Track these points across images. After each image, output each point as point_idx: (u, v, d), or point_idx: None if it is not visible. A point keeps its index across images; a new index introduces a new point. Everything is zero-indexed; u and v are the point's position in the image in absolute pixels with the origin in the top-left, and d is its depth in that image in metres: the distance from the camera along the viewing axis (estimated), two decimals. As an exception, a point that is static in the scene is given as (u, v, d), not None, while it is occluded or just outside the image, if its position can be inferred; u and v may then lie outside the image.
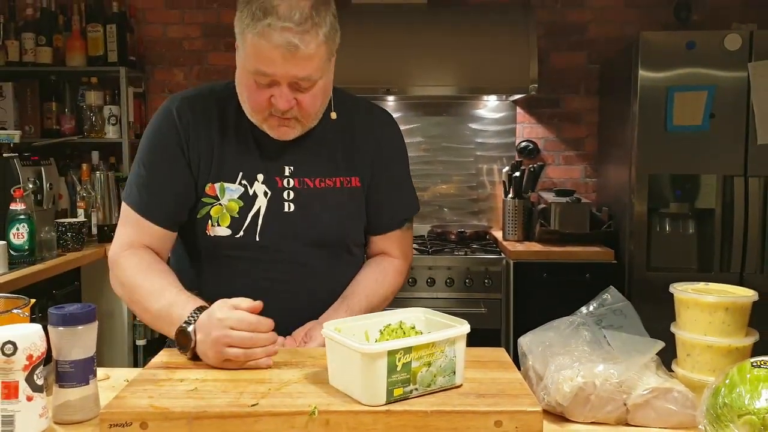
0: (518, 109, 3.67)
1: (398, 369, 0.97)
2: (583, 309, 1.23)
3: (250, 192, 1.36)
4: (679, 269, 2.90)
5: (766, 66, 2.78)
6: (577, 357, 1.07)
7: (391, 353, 0.97)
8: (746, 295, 1.08)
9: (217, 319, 1.15)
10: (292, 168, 1.39)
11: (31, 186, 2.79)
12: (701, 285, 1.16)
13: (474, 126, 3.67)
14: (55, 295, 2.61)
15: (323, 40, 1.22)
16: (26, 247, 2.57)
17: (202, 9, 3.69)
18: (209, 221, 1.35)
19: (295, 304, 1.39)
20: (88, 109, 3.45)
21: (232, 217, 1.35)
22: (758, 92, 2.79)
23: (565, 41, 3.63)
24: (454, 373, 1.04)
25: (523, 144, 3.63)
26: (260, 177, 1.37)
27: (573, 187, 3.54)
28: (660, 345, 1.08)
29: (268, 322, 1.17)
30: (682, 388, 1.02)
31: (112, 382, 1.21)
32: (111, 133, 3.45)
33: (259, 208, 1.36)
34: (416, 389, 1.00)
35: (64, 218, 3.04)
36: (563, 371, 1.04)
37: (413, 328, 1.15)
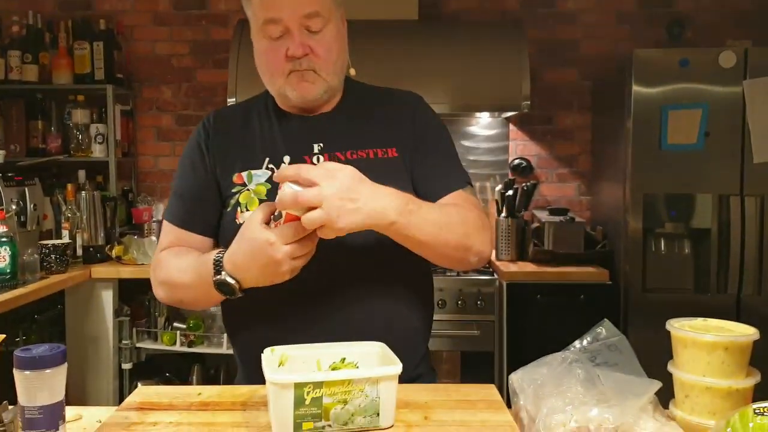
0: (511, 126, 3.63)
1: (307, 403, 0.95)
2: (577, 344, 1.18)
3: None
4: (675, 290, 2.86)
5: (762, 83, 2.75)
6: (570, 399, 1.02)
7: (299, 386, 0.95)
8: (747, 333, 1.03)
9: (264, 242, 1.09)
10: (321, 145, 1.34)
11: (14, 207, 2.73)
12: (699, 321, 1.11)
13: (466, 143, 3.63)
14: (38, 320, 2.55)
15: None
16: (8, 271, 2.50)
17: (190, 26, 3.65)
18: (238, 208, 1.31)
19: (339, 289, 1.28)
20: (75, 128, 3.40)
21: (260, 200, 1.30)
22: (754, 110, 2.76)
23: (556, 58, 3.60)
24: (378, 414, 0.99)
25: (517, 161, 3.59)
26: (286, 159, 1.33)
27: (567, 205, 3.50)
28: (656, 386, 1.03)
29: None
30: (680, 433, 0.97)
31: (84, 423, 1.14)
32: (98, 151, 3.40)
33: None
34: (329, 426, 0.97)
35: (50, 239, 2.98)
36: (556, 415, 0.99)
37: (355, 364, 1.12)
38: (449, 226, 1.21)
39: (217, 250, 1.20)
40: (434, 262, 1.28)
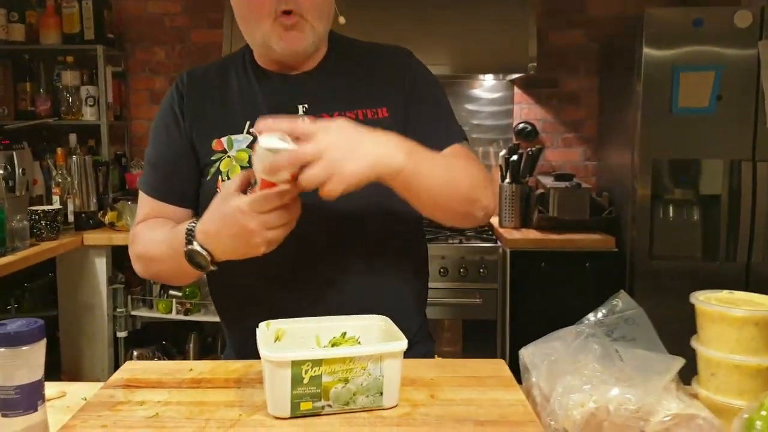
0: (516, 89, 3.53)
1: (305, 382, 0.89)
2: (591, 316, 1.10)
3: None
4: (683, 258, 2.78)
5: (778, 44, 2.65)
6: (588, 377, 0.95)
7: (296, 364, 0.88)
8: (779, 308, 0.96)
9: (236, 209, 1.01)
10: (306, 106, 1.24)
11: (2, 171, 2.65)
12: (724, 293, 1.03)
13: (470, 107, 3.53)
14: (29, 288, 2.48)
15: None
16: (-4, 238, 2.43)
17: (183, -17, 3.52)
18: (219, 177, 1.22)
19: (327, 266, 1.21)
20: (65, 90, 3.30)
21: (242, 167, 1.21)
22: (768, 72, 2.66)
23: (563, 19, 3.48)
24: (381, 393, 0.93)
25: (521, 126, 3.50)
26: None
27: (572, 171, 3.42)
28: (679, 363, 0.95)
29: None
30: (707, 414, 0.89)
31: (68, 401, 1.08)
32: (88, 114, 3.31)
33: None
34: (329, 406, 0.91)
35: (40, 205, 2.90)
36: (573, 395, 0.92)
37: (357, 339, 1.05)
38: (456, 178, 1.13)
39: (191, 220, 1.12)
40: (438, 218, 1.18)
